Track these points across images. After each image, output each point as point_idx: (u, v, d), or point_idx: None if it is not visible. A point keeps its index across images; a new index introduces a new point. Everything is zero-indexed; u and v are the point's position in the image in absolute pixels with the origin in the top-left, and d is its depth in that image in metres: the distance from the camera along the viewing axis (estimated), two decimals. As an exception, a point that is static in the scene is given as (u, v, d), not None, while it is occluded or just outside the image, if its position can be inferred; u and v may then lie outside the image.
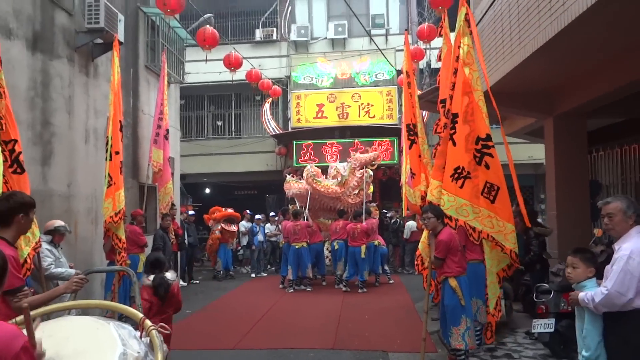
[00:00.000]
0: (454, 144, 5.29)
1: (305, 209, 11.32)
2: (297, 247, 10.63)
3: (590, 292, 3.11)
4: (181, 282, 11.85)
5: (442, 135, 5.63)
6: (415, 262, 6.60)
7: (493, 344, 6.01)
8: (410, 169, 7.14)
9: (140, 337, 2.60)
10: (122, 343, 2.39)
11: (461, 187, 5.19)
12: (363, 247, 10.34)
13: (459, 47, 5.36)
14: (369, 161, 11.51)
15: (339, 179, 11.23)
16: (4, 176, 4.52)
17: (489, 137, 5.14)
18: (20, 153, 4.77)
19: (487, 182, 5.12)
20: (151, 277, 4.54)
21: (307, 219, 11.20)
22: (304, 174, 11.56)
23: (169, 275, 4.58)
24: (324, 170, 12.25)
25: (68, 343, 2.38)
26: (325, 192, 11.17)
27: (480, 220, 5.13)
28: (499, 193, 5.10)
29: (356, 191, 11.44)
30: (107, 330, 2.49)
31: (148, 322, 2.63)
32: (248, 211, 14.34)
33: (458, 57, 5.35)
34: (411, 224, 12.87)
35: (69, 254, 6.31)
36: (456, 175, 5.22)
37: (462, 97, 5.25)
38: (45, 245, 5.60)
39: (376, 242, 10.99)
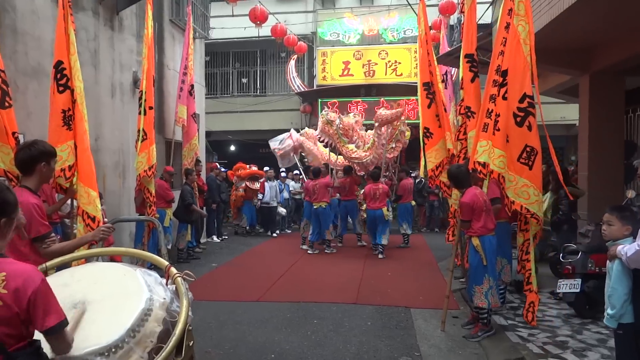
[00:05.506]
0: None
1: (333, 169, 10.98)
2: (315, 207, 10.13)
3: (627, 245, 3.08)
4: (214, 238, 12.01)
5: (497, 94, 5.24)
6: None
7: (517, 303, 6.00)
8: (428, 129, 6.88)
9: (167, 284, 2.64)
10: (148, 289, 2.44)
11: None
12: (384, 209, 9.76)
13: None
14: (391, 118, 10.05)
15: (368, 144, 10.59)
16: None
17: (532, 96, 4.87)
18: None
19: (527, 146, 4.84)
20: None
21: (333, 178, 10.86)
22: (320, 122, 10.47)
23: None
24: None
25: (96, 288, 2.44)
26: (347, 156, 10.53)
27: (515, 190, 4.91)
28: (537, 158, 4.85)
29: (392, 144, 10.47)
30: (134, 276, 2.53)
31: (173, 270, 2.66)
32: (297, 172, 14.35)
33: (511, 10, 4.99)
34: None
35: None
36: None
37: (512, 52, 4.95)
38: None
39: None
